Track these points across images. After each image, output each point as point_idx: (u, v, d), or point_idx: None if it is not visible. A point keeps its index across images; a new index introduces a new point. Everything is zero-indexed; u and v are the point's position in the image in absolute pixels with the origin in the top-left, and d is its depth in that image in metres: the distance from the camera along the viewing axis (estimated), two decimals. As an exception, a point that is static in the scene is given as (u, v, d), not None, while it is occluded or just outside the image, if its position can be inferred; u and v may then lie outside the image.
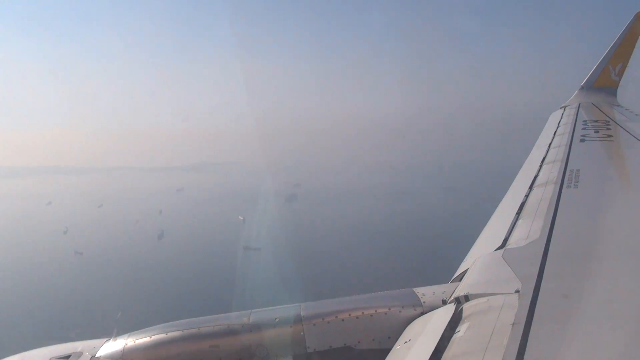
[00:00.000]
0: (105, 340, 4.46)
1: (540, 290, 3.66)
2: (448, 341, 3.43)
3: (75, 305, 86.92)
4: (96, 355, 4.24)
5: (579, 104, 17.18)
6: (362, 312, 4.42)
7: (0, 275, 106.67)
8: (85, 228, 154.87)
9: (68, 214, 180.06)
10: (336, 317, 4.39)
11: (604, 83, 18.72)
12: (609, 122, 13.57)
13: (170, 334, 4.33)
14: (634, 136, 11.14)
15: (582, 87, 19.31)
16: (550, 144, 11.16)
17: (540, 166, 8.97)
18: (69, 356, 4.23)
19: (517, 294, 3.64)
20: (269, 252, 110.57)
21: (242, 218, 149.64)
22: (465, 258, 5.44)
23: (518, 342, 2.92)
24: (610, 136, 11.63)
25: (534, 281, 3.81)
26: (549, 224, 5.31)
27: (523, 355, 2.77)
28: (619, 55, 18.35)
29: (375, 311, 4.43)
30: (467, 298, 4.02)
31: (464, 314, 3.80)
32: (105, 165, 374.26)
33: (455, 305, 4.03)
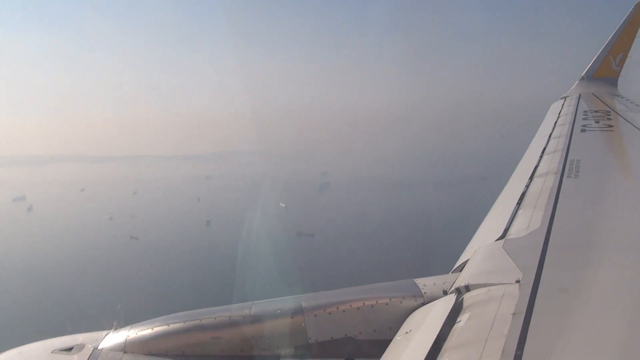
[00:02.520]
0: (107, 332, 4.32)
1: (541, 280, 3.52)
2: (449, 331, 3.31)
3: (147, 286, 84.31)
4: (98, 347, 4.11)
5: (580, 95, 16.75)
6: (363, 303, 4.29)
7: (64, 262, 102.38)
8: (128, 214, 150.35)
9: (105, 200, 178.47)
10: (337, 308, 4.26)
11: (604, 73, 18.20)
12: (609, 112, 13.19)
13: (172, 326, 4.20)
14: (634, 126, 10.80)
15: (583, 78, 18.82)
16: (550, 134, 10.88)
17: (541, 156, 8.71)
18: (70, 348, 4.08)
19: (517, 284, 3.51)
20: (323, 238, 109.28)
21: (284, 205, 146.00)
22: (466, 248, 5.31)
23: (519, 332, 2.81)
24: (610, 126, 11.30)
25: (535, 271, 3.67)
26: (550, 214, 5.13)
27: (524, 345, 2.66)
28: (619, 46, 17.79)
29: (376, 302, 4.29)
30: (467, 288, 3.89)
31: (465, 304, 3.68)
32: (124, 154, 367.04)
33: (456, 296, 3.90)
